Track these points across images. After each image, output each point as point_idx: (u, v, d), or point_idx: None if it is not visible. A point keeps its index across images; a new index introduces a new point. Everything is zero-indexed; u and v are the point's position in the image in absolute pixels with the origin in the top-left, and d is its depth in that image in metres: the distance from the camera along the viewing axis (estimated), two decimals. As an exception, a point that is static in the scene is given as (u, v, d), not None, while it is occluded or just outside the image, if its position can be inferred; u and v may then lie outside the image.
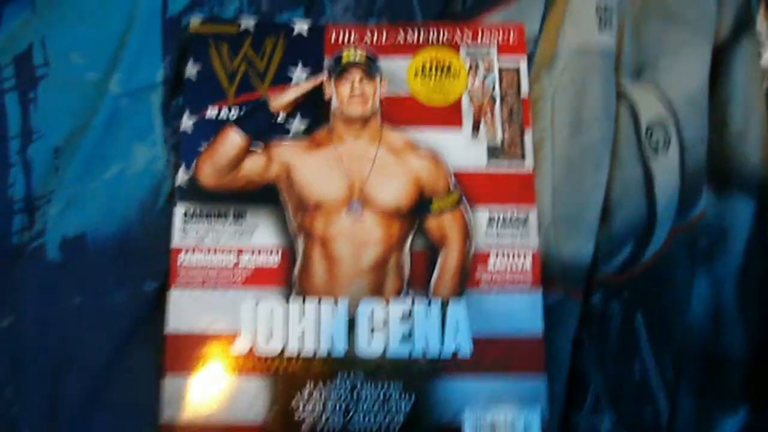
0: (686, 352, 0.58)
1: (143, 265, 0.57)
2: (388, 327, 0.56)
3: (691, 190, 0.60)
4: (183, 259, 0.56)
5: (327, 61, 0.60)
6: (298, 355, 0.55)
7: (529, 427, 0.55)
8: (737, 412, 0.58)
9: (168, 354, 0.55)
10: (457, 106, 0.60)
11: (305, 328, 0.55)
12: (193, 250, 0.56)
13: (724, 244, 0.61)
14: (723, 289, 0.60)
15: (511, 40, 0.61)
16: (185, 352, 0.55)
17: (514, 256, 0.57)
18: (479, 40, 0.61)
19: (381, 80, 0.59)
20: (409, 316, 0.56)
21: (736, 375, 0.59)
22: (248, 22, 0.61)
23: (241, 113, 0.59)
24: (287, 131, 0.59)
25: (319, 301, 0.56)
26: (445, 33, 0.61)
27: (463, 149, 0.59)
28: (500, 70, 0.61)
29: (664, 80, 0.62)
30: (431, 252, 0.57)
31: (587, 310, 0.58)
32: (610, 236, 0.59)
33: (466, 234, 0.57)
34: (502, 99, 0.60)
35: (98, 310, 0.56)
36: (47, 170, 0.59)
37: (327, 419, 0.54)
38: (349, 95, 0.58)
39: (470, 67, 0.61)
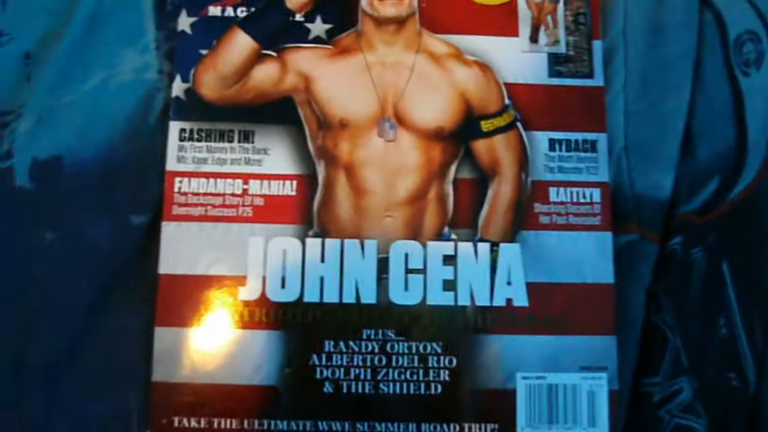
0: (778, 309, 0.50)
1: (130, 193, 0.48)
2: (426, 272, 0.47)
3: (789, 114, 0.51)
4: (179, 186, 0.47)
5: (355, -50, 0.50)
6: (318, 304, 0.46)
7: (595, 396, 0.46)
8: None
9: (160, 301, 0.46)
10: (512, 6, 0.50)
11: (326, 272, 0.46)
12: (192, 176, 0.47)
13: (825, 180, 0.52)
14: (823, 234, 0.51)
15: (576, -70, 0.52)
16: (181, 298, 0.46)
17: (579, 188, 0.48)
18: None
19: (420, -27, 0.50)
20: (452, 259, 0.47)
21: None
22: None
23: (251, 12, 0.49)
24: (306, 35, 0.49)
25: (344, 241, 0.47)
26: None
27: (519, 60, 0.49)
28: (565, -36, 0.51)
29: (758, -15, 0.52)
30: (480, 182, 0.48)
31: (665, 256, 0.49)
32: (693, 168, 0.51)
33: (523, 161, 0.48)
34: (565, 0, 0.51)
35: (76, 248, 0.47)
36: (17, 80, 0.49)
37: (352, 382, 0.45)
38: (381, -8, 0.49)
39: (528, -40, 0.51)
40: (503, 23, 0.50)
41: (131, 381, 0.46)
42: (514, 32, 0.50)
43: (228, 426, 0.45)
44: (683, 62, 0.51)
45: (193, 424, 0.45)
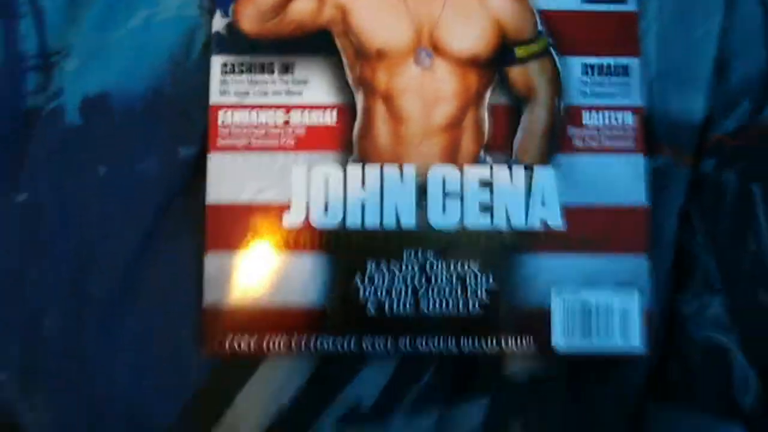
0: (807, 231, 0.50)
1: (177, 127, 0.49)
2: (463, 196, 0.48)
3: (820, 38, 0.51)
4: (223, 118, 0.48)
5: None
6: (359, 228, 0.47)
7: (628, 313, 0.47)
8: None
9: (209, 229, 0.47)
10: (544, -68, 0.50)
11: (367, 197, 0.47)
12: (235, 109, 0.48)
13: None
14: None
15: None
16: (229, 226, 0.47)
17: (613, 112, 0.49)
18: None
19: None
20: (488, 183, 0.48)
21: None
22: None
23: (287, -53, 0.49)
24: (341, -32, 0.49)
25: (383, 166, 0.48)
26: None
27: (552, -14, 0.49)
28: None
29: None
30: (515, 107, 0.48)
31: (697, 179, 0.50)
32: (725, 92, 0.50)
33: (557, 86, 0.49)
34: (598, -74, 0.50)
35: (127, 181, 0.49)
36: (63, 20, 0.50)
37: (394, 302, 0.47)
38: None
39: None
40: (535, -50, 0.50)
41: (185, 306, 0.47)
42: (546, -41, 0.50)
43: (277, 344, 0.47)
44: (715, -12, 0.50)
45: (244, 343, 0.46)
